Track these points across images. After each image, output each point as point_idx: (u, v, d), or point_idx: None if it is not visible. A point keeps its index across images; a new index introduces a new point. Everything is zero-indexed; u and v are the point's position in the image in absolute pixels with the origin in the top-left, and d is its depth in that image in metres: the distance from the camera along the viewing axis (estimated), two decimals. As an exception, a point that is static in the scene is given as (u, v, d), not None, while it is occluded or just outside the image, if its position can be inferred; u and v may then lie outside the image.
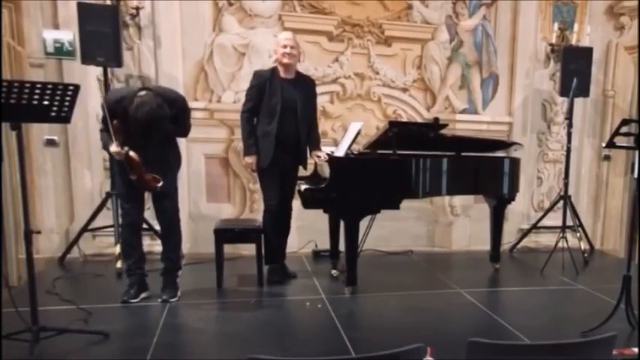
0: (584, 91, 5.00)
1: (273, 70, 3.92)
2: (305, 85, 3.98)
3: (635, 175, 3.27)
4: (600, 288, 4.06)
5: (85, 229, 4.41)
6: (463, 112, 5.23)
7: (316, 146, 4.05)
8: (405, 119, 5.05)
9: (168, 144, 3.50)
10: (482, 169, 4.28)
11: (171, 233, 3.64)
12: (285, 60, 3.83)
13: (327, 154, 3.92)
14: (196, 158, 4.78)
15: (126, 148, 3.22)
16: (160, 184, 3.36)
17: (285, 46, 3.82)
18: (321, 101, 4.82)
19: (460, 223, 5.36)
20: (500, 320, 3.42)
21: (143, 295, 3.60)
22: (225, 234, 3.94)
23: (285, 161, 3.94)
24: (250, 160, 3.95)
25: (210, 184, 4.85)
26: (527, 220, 5.44)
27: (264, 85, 3.86)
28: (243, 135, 3.99)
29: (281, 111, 3.84)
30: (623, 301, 3.18)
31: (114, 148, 3.20)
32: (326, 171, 3.90)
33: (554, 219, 5.06)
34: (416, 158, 3.79)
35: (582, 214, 5.40)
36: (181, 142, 4.67)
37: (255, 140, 3.91)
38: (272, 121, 3.85)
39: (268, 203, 4.02)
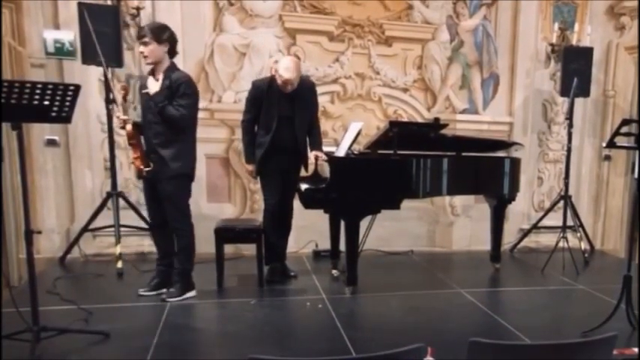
0: (584, 91, 5.00)
1: (272, 79, 3.89)
2: (304, 93, 3.94)
3: (636, 175, 3.27)
4: (601, 288, 4.05)
5: (85, 229, 4.42)
6: (464, 112, 5.24)
7: (317, 148, 4.05)
8: (405, 119, 5.05)
9: (173, 140, 3.47)
10: (482, 169, 4.28)
11: (176, 235, 3.63)
12: (282, 89, 3.81)
13: (327, 154, 3.92)
14: (197, 158, 4.77)
15: (126, 117, 3.39)
16: (147, 169, 3.42)
17: (285, 83, 3.76)
18: (322, 101, 4.81)
19: (461, 223, 5.36)
20: (501, 320, 3.42)
21: (159, 291, 3.65)
22: (226, 234, 3.94)
23: (283, 162, 3.95)
24: (251, 167, 4.02)
25: (211, 184, 4.85)
26: (528, 220, 5.45)
27: (261, 97, 3.88)
28: (243, 143, 4.07)
29: (277, 126, 3.87)
30: (623, 301, 3.18)
31: (116, 112, 3.39)
32: (326, 171, 3.90)
33: (554, 219, 5.06)
34: (416, 158, 3.79)
35: (583, 214, 5.40)
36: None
37: (254, 149, 3.95)
38: (267, 134, 3.89)
39: (267, 202, 4.03)
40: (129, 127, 3.38)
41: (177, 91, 3.40)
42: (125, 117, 3.39)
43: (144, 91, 3.44)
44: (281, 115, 3.87)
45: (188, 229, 3.63)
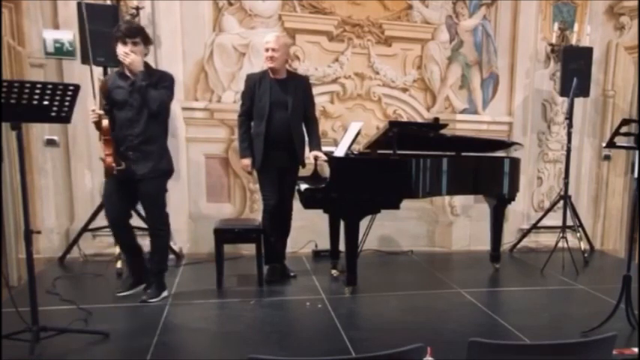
0: (584, 91, 5.00)
1: (265, 72, 3.94)
2: (296, 84, 3.98)
3: (635, 174, 3.27)
4: (600, 288, 4.06)
5: (85, 229, 4.42)
6: (463, 112, 5.24)
7: (316, 147, 4.04)
8: (405, 119, 5.06)
9: (156, 135, 3.47)
10: (482, 169, 4.28)
11: (154, 236, 3.62)
12: (268, 64, 3.86)
13: (327, 154, 3.92)
14: (196, 158, 4.78)
15: (102, 112, 3.33)
16: (118, 168, 3.34)
17: (267, 50, 3.84)
18: (321, 101, 4.83)
19: (460, 223, 5.36)
20: (501, 320, 3.42)
21: (133, 291, 3.65)
22: (225, 234, 3.94)
23: (280, 161, 3.95)
24: (245, 162, 3.99)
25: (211, 183, 4.85)
26: (528, 220, 5.44)
27: (254, 88, 3.91)
28: (238, 138, 4.08)
29: (270, 111, 3.87)
30: (623, 301, 3.18)
31: (92, 106, 3.30)
32: (326, 171, 3.90)
33: (554, 219, 5.07)
34: (416, 158, 3.79)
35: (582, 214, 5.40)
36: (182, 141, 4.73)
37: (249, 143, 3.95)
38: (262, 122, 3.89)
39: (266, 202, 4.03)
40: (105, 122, 3.31)
41: (159, 81, 3.42)
42: (101, 111, 3.33)
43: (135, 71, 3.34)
44: (274, 101, 3.87)
45: (167, 230, 3.66)
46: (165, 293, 3.69)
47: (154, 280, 3.65)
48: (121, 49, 3.31)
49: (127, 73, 3.40)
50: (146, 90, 3.35)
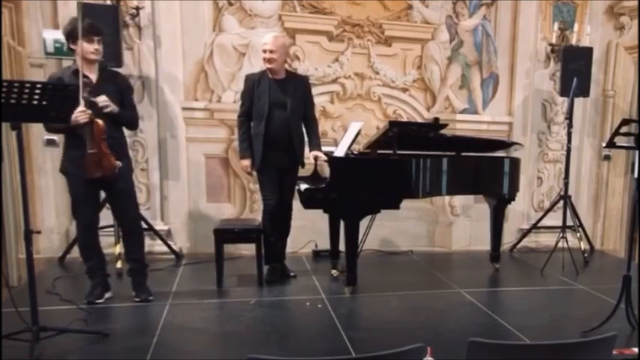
0: (584, 90, 5.00)
1: (264, 72, 3.94)
2: (296, 84, 3.98)
3: (635, 174, 3.27)
4: (600, 288, 4.06)
5: (85, 229, 4.41)
6: (463, 112, 5.24)
7: (316, 147, 4.04)
8: (405, 119, 5.06)
9: (120, 135, 3.46)
10: (482, 169, 4.28)
11: (134, 234, 3.62)
12: (267, 65, 3.86)
13: (327, 154, 3.92)
14: (196, 158, 4.78)
15: (90, 112, 3.11)
16: (119, 165, 3.26)
17: (264, 51, 3.85)
18: (321, 101, 4.83)
19: (460, 223, 5.36)
20: (501, 320, 3.42)
21: (107, 295, 3.62)
22: (225, 234, 3.94)
23: (280, 161, 3.95)
24: (245, 162, 4.00)
25: (211, 183, 4.85)
26: (528, 220, 5.44)
27: (253, 88, 3.91)
28: (237, 138, 4.08)
29: (269, 111, 3.87)
30: (623, 301, 3.18)
31: (81, 107, 3.04)
32: (326, 171, 3.90)
33: (554, 219, 5.07)
34: (416, 158, 3.79)
35: (582, 214, 5.40)
36: (182, 141, 4.73)
37: (249, 143, 3.96)
38: (261, 122, 3.89)
39: (266, 203, 4.03)
40: (100, 121, 3.14)
41: (122, 86, 3.40)
42: (90, 111, 3.12)
43: (94, 98, 3.16)
44: (273, 101, 3.87)
45: (142, 226, 3.70)
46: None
47: (142, 280, 3.65)
48: (91, 47, 3.21)
49: (84, 71, 3.20)
50: (122, 116, 3.35)
